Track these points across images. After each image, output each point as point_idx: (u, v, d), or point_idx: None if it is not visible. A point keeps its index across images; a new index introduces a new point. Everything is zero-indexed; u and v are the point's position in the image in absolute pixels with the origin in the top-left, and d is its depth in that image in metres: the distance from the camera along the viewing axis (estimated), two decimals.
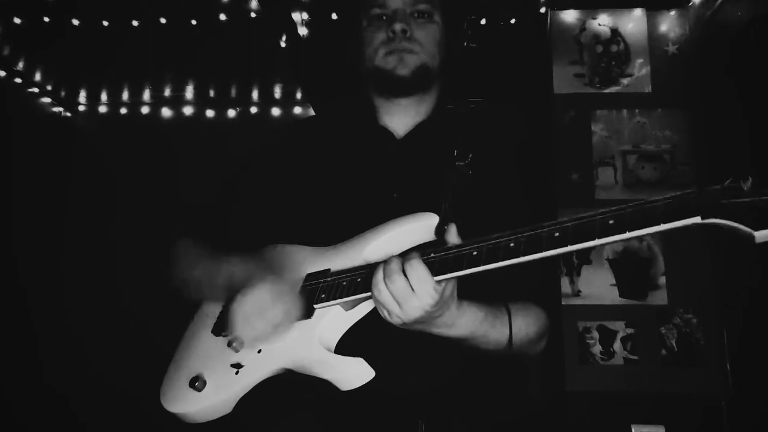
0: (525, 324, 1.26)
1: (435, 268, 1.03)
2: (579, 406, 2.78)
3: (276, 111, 4.70)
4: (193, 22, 3.72)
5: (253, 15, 3.60)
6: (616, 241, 0.91)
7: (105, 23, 3.75)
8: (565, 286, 2.91)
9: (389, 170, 1.40)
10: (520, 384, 1.42)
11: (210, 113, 4.74)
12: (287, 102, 4.68)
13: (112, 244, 4.36)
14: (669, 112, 3.06)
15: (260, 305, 1.15)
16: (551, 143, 3.11)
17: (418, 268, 1.02)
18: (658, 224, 0.87)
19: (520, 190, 1.42)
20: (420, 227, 1.20)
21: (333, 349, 1.14)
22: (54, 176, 4.47)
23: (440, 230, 1.16)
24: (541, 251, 0.94)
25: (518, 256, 0.96)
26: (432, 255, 1.05)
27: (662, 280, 2.88)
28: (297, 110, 4.69)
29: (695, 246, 2.89)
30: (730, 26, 2.80)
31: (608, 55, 3.15)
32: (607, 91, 3.12)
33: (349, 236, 1.27)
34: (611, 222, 0.91)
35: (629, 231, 0.89)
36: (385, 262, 1.05)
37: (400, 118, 1.46)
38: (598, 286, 2.90)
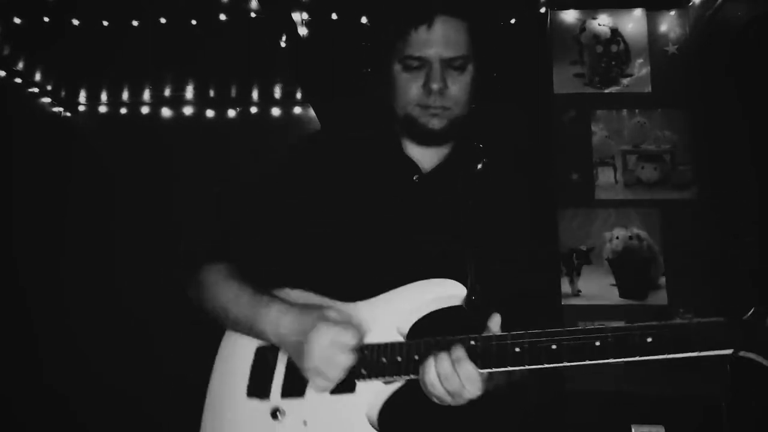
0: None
1: (480, 363, 1.12)
2: (579, 406, 2.78)
3: (276, 111, 4.70)
4: (193, 22, 3.72)
5: (253, 15, 3.60)
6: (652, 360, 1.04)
7: (105, 23, 3.75)
8: (565, 286, 2.91)
9: (414, 206, 1.44)
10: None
11: (210, 113, 4.74)
12: (287, 102, 4.68)
13: (112, 244, 4.36)
14: (669, 112, 3.06)
15: (327, 356, 1.19)
16: (551, 143, 3.11)
17: (467, 368, 1.11)
18: (694, 351, 1.02)
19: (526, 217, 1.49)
20: (446, 296, 1.26)
21: (376, 422, 1.21)
22: (54, 176, 4.47)
23: (469, 302, 1.26)
24: (584, 360, 1.06)
25: (561, 362, 1.07)
26: (472, 343, 1.14)
27: (662, 280, 2.89)
28: (297, 110, 4.69)
29: (695, 246, 2.89)
30: (730, 26, 2.80)
31: (608, 55, 3.15)
32: (607, 91, 3.12)
33: (374, 283, 1.30)
34: (649, 340, 1.04)
35: (668, 353, 1.03)
36: (436, 359, 1.13)
37: (426, 153, 1.49)
38: (598, 286, 2.90)
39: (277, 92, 4.64)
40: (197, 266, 1.43)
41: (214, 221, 1.51)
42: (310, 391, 1.24)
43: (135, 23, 3.75)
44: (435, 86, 1.35)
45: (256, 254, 1.43)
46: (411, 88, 1.39)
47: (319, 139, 1.60)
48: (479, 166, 1.48)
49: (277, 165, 1.55)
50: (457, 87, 1.38)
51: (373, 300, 1.30)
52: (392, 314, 1.26)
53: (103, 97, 4.79)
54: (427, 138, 1.43)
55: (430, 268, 1.30)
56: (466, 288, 1.26)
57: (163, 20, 3.71)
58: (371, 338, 1.24)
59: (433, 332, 1.21)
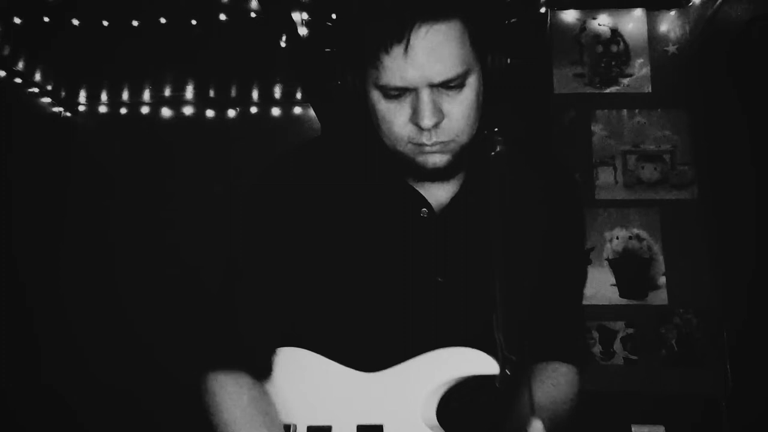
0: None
1: None
2: (579, 407, 2.78)
3: (276, 111, 4.70)
4: (193, 22, 3.72)
5: (253, 15, 3.60)
6: None
7: (105, 23, 3.75)
8: None
9: (428, 246, 1.17)
10: None
11: (210, 113, 4.74)
12: (287, 102, 4.68)
13: (112, 244, 4.36)
14: (669, 112, 3.06)
15: None
16: (551, 143, 3.11)
17: None
18: None
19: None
20: (476, 374, 1.06)
21: None
22: (54, 176, 4.48)
23: (503, 378, 1.05)
24: None
25: None
26: None
27: (662, 280, 2.88)
28: (297, 110, 4.70)
29: (695, 246, 2.89)
30: (730, 26, 2.81)
31: (608, 55, 3.15)
32: (607, 91, 3.12)
33: (391, 346, 1.12)
34: None
35: None
36: None
37: (431, 186, 1.20)
38: (598, 286, 2.90)
39: (277, 92, 4.64)
40: (207, 371, 1.18)
41: (221, 310, 1.21)
42: None
43: (135, 23, 3.75)
44: (427, 123, 1.02)
45: (268, 332, 1.18)
46: (396, 123, 1.05)
47: (307, 164, 1.24)
48: (493, 154, 1.18)
49: (267, 219, 1.21)
50: (458, 110, 1.04)
51: (392, 372, 1.10)
52: (415, 398, 1.07)
53: (103, 97, 4.79)
54: (429, 176, 1.13)
55: (453, 327, 1.12)
56: (498, 360, 1.04)
57: (163, 20, 3.71)
58: (393, 426, 1.07)
59: (459, 410, 1.06)
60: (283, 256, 1.17)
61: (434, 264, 1.16)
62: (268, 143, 4.32)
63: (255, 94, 4.67)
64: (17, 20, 3.75)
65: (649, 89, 3.09)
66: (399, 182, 1.18)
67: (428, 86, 1.00)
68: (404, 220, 1.17)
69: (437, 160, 1.07)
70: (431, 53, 0.98)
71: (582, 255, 1.30)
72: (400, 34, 0.96)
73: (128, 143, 4.61)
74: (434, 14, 0.97)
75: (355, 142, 1.23)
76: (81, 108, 4.88)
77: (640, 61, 3.12)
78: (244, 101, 4.70)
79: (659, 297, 2.87)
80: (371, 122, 1.11)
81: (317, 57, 3.60)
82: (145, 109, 4.78)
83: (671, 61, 3.12)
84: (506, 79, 1.10)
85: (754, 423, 2.57)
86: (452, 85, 1.02)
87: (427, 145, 1.05)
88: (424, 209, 1.17)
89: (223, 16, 3.64)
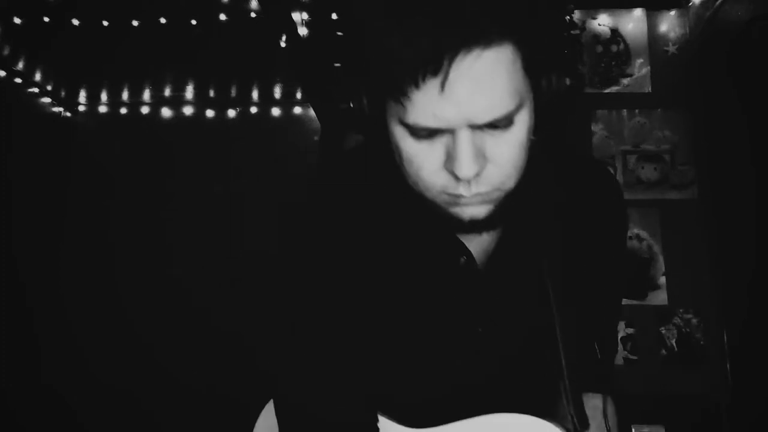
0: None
1: None
2: None
3: (276, 111, 4.70)
4: (193, 22, 3.72)
5: (253, 15, 3.60)
6: None
7: (105, 23, 3.75)
8: None
9: (468, 295, 1.04)
10: None
11: (210, 113, 4.74)
12: (287, 102, 4.68)
13: (112, 244, 4.36)
14: (669, 112, 3.06)
15: None
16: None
17: None
18: None
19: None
20: None
21: None
22: (54, 176, 4.48)
23: None
24: None
25: None
26: None
27: (662, 280, 2.88)
28: (297, 110, 4.70)
29: (695, 246, 2.89)
30: (730, 26, 2.81)
31: (608, 55, 3.15)
32: (607, 91, 3.12)
33: (439, 402, 1.02)
34: None
35: None
36: None
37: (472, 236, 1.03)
38: None
39: (277, 92, 4.64)
40: None
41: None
42: None
43: (135, 23, 3.75)
44: (466, 173, 0.82)
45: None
46: (426, 168, 0.85)
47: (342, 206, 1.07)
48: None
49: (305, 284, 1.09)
50: (504, 152, 0.84)
51: (444, 430, 1.00)
52: None
53: (103, 97, 4.79)
54: (465, 229, 0.94)
55: (495, 381, 1.02)
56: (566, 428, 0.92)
57: (163, 20, 3.71)
58: None
59: None
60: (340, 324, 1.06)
61: (475, 314, 1.03)
62: (268, 143, 4.33)
63: (255, 94, 4.66)
64: (17, 20, 3.75)
65: (649, 89, 3.10)
66: (435, 227, 0.99)
67: (468, 127, 0.80)
68: (442, 268, 1.02)
69: (476, 212, 0.89)
70: (475, 88, 0.76)
71: (623, 265, 1.18)
72: (436, 64, 0.74)
73: (128, 143, 4.61)
74: (482, 39, 0.74)
75: (376, 178, 1.05)
76: (81, 108, 4.87)
77: (640, 61, 3.12)
78: (244, 101, 4.69)
79: (659, 297, 2.87)
80: (394, 157, 0.91)
81: (317, 58, 3.60)
82: (145, 109, 4.78)
83: (671, 61, 3.12)
84: (563, 103, 0.89)
85: (754, 423, 2.57)
86: (501, 125, 0.82)
87: (464, 196, 0.86)
88: (464, 257, 1.01)
89: (223, 16, 3.64)
